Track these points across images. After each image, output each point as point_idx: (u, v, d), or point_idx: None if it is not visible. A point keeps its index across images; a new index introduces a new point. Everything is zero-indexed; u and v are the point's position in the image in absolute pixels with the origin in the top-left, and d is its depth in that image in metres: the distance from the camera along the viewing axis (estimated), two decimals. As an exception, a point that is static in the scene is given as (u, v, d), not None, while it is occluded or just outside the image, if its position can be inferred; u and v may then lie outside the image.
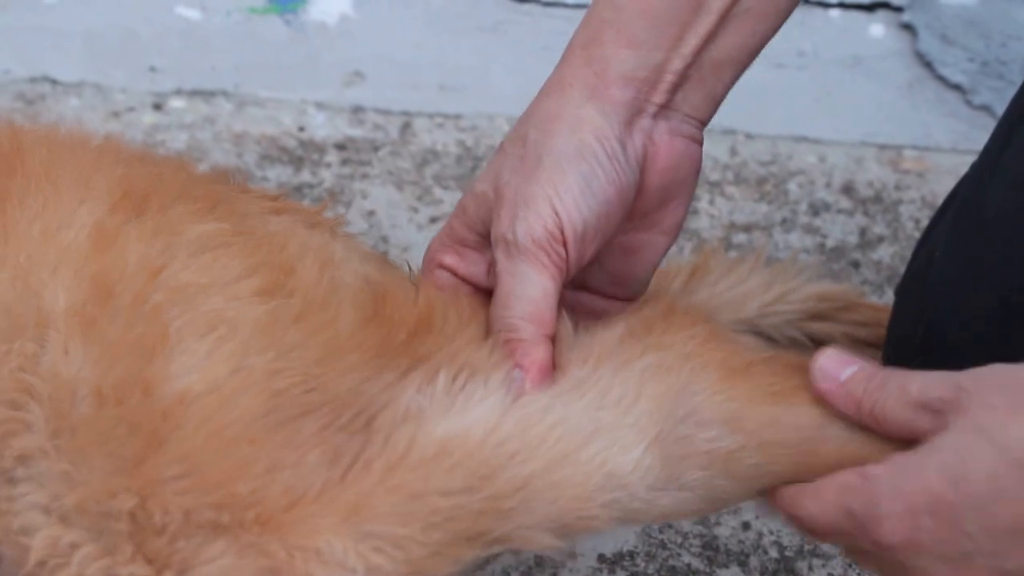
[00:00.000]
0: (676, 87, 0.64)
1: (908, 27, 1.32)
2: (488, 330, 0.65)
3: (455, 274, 0.67)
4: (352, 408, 0.59)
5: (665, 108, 0.65)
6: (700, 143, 0.67)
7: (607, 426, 0.62)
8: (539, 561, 0.93)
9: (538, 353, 0.61)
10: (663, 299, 0.69)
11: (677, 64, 0.64)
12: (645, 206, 0.66)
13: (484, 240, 0.66)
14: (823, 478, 0.60)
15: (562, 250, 0.62)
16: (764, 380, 0.64)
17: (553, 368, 0.62)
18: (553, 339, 0.63)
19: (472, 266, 0.67)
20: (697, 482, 0.63)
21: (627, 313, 0.67)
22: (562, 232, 0.62)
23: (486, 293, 0.67)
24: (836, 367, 0.60)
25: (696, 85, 0.65)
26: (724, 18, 0.63)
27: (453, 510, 0.57)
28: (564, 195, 0.62)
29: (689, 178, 0.67)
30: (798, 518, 0.60)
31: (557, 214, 0.62)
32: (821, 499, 0.59)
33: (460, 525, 0.58)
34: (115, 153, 0.70)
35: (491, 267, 0.66)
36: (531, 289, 0.62)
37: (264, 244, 0.64)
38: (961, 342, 0.82)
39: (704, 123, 0.67)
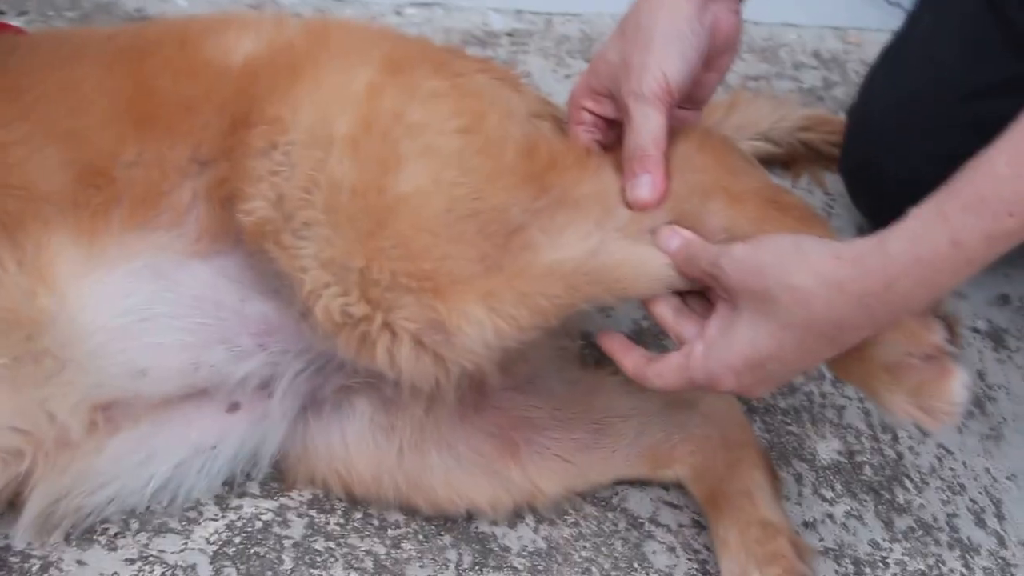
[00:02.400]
0: None
1: (849, -46, 1.57)
2: (624, 155, 0.68)
3: (592, 112, 0.74)
4: (498, 222, 0.63)
5: None
6: (740, 15, 0.75)
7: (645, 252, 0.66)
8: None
9: (663, 165, 0.68)
10: (696, 134, 0.73)
11: None
12: (711, 56, 0.74)
13: (610, 92, 0.72)
14: (661, 361, 0.64)
15: (669, 97, 0.68)
16: (750, 209, 0.70)
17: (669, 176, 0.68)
18: (667, 157, 0.69)
19: (604, 108, 0.73)
20: None
21: (681, 138, 0.71)
22: (669, 85, 0.68)
23: (607, 128, 0.73)
24: (673, 236, 0.67)
25: None
26: None
27: (549, 304, 0.64)
28: (668, 63, 0.68)
29: (737, 38, 0.75)
30: (653, 387, 0.66)
31: (666, 76, 0.68)
32: (666, 377, 0.64)
33: (551, 311, 0.64)
34: (383, 33, 0.80)
35: (617, 108, 0.71)
36: (654, 123, 0.68)
37: (469, 96, 0.69)
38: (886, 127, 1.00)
39: (742, 1, 0.74)
